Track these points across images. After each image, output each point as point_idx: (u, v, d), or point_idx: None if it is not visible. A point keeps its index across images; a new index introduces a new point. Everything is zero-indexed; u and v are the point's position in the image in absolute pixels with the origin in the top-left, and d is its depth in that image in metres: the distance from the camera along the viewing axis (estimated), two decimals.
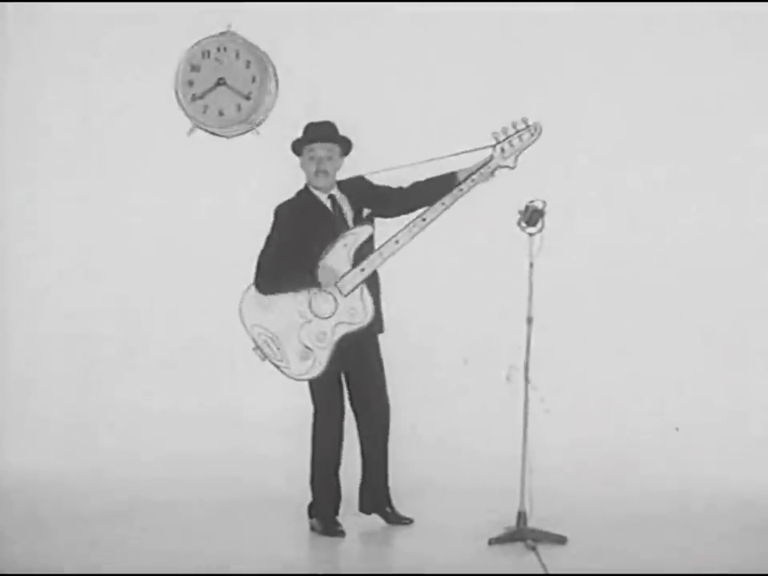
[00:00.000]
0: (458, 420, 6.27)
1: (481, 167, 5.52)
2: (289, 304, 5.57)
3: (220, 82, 6.59)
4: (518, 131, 5.49)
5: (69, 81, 6.92)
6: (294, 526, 5.78)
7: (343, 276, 5.54)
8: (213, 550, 5.44)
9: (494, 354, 6.42)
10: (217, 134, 6.69)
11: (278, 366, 5.59)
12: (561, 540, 5.44)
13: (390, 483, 5.83)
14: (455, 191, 5.51)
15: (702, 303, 6.54)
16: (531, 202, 5.49)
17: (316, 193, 5.68)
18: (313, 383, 5.62)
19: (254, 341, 5.60)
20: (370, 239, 5.60)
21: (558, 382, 6.22)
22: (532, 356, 5.47)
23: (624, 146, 6.52)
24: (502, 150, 5.49)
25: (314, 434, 5.70)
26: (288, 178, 5.71)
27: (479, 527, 5.58)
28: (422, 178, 5.60)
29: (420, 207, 5.58)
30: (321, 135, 5.65)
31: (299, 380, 5.59)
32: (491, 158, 5.52)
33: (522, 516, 5.47)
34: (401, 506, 5.87)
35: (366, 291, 5.55)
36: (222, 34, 6.61)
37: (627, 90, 6.56)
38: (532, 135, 5.50)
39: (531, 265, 5.45)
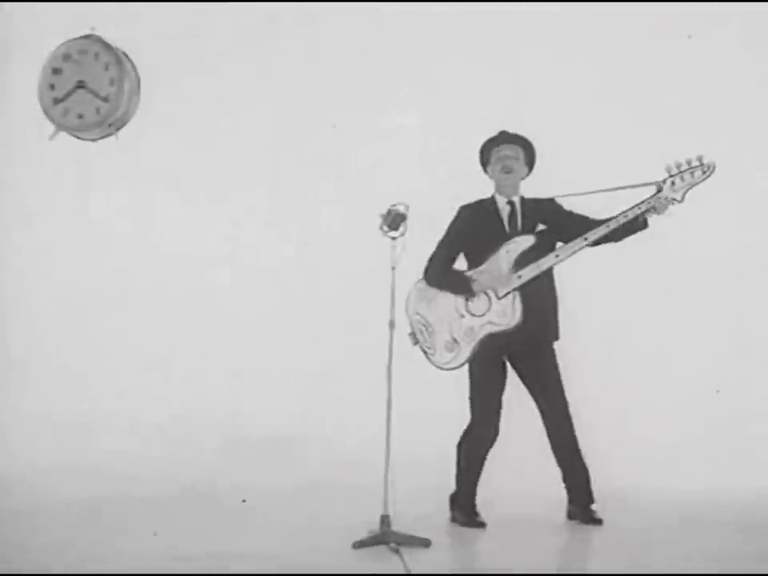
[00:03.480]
0: (326, 422, 6.29)
1: (647, 199, 5.69)
2: (449, 298, 5.90)
3: (79, 85, 6.51)
4: (690, 167, 5.66)
5: None
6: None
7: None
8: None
9: (363, 359, 6.46)
10: (80, 138, 6.62)
11: (425, 352, 5.90)
12: (425, 543, 5.45)
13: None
14: (620, 217, 5.73)
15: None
16: (393, 206, 5.55)
17: (497, 198, 5.97)
18: (477, 386, 5.88)
19: (411, 327, 5.92)
20: (532, 249, 5.81)
21: (422, 385, 6.26)
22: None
23: None
24: (673, 183, 5.66)
25: (470, 431, 5.93)
26: None
27: (343, 530, 5.58)
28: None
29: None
30: (507, 138, 6.00)
31: (441, 368, 5.89)
32: (659, 189, 5.68)
33: (385, 519, 5.47)
34: (264, 508, 5.88)
35: (518, 297, 5.79)
36: (85, 36, 6.53)
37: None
38: (704, 173, 5.67)
39: (393, 269, 5.49)
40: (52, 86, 6.55)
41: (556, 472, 5.97)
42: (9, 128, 7.19)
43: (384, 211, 5.54)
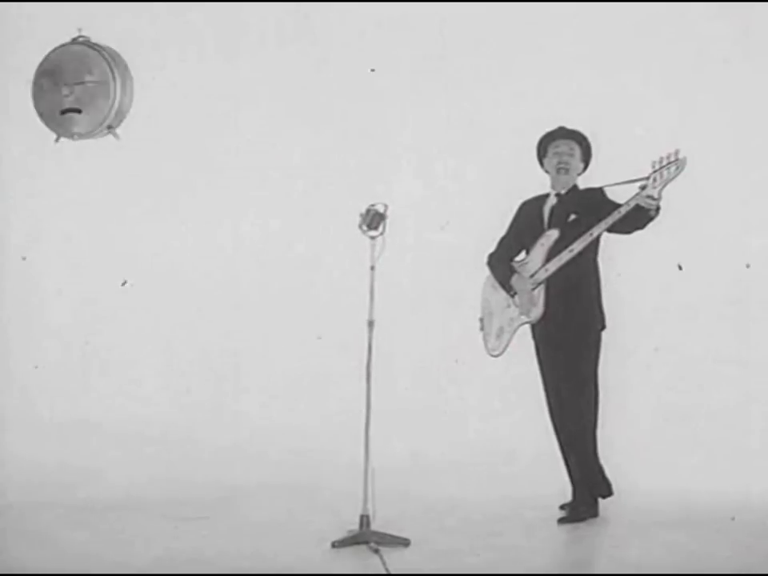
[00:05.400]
0: (303, 422, 6.30)
1: (633, 197, 5.68)
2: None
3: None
4: (668, 163, 5.63)
5: None
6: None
7: (534, 273, 5.90)
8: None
9: (342, 358, 6.48)
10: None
11: (484, 340, 6.07)
12: (404, 542, 5.45)
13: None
14: (615, 213, 5.73)
15: None
16: (372, 205, 5.55)
17: (551, 193, 6.03)
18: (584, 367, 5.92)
19: (482, 312, 6.10)
20: (562, 240, 5.86)
21: (403, 383, 6.28)
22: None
23: None
24: (654, 180, 5.63)
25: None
26: None
27: (322, 530, 5.59)
28: None
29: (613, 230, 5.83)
30: (565, 133, 6.04)
31: (491, 355, 6.05)
32: (643, 187, 5.65)
33: (364, 519, 5.47)
34: (243, 507, 5.89)
35: (542, 291, 5.88)
36: (73, 39, 6.56)
37: None
38: (677, 168, 5.62)
39: (372, 268, 5.49)
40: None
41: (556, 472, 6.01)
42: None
43: (363, 210, 5.55)
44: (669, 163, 5.63)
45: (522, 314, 5.95)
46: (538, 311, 5.90)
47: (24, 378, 7.10)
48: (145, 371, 7.12)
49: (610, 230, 5.79)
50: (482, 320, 6.13)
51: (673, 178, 5.62)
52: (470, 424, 6.64)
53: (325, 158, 7.00)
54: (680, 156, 5.62)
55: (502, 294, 6.03)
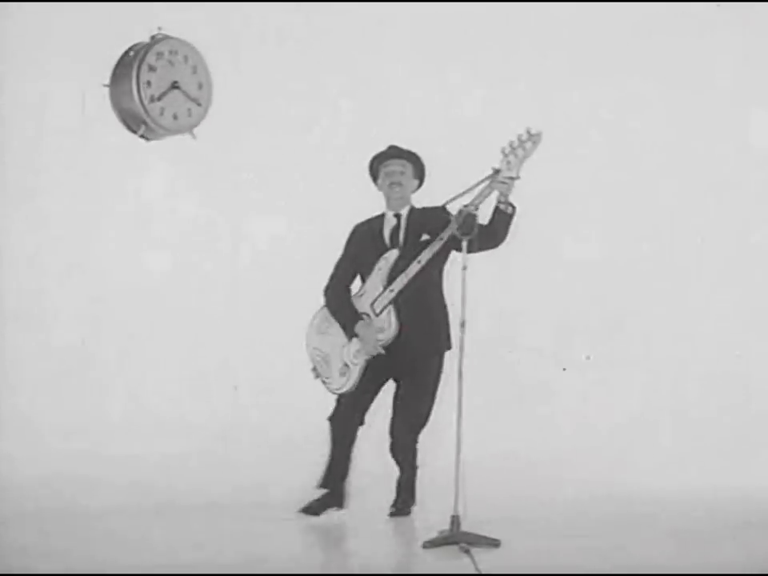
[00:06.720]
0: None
1: (487, 185, 5.60)
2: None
3: (174, 86, 6.46)
4: (521, 142, 5.56)
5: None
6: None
7: (376, 298, 5.79)
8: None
9: None
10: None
11: (324, 383, 5.93)
12: (494, 543, 5.46)
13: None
14: (470, 207, 5.60)
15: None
16: (465, 206, 5.55)
17: (386, 213, 5.94)
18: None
19: (312, 362, 5.94)
20: (402, 260, 5.78)
21: (491, 385, 6.28)
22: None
23: None
24: (509, 162, 5.57)
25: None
26: None
27: (413, 530, 5.61)
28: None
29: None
30: (395, 153, 5.95)
31: (336, 393, 5.90)
32: (497, 171, 5.58)
33: (455, 519, 5.48)
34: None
35: (393, 310, 5.77)
36: (152, 38, 6.51)
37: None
38: (534, 144, 5.57)
39: (465, 268, 5.49)
40: (149, 83, 6.48)
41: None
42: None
43: (455, 212, 5.56)
44: (523, 141, 5.58)
45: (368, 352, 5.82)
46: (391, 332, 5.80)
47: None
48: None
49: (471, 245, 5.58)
50: (315, 369, 5.96)
51: (531, 153, 5.58)
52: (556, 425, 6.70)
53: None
54: (532, 131, 5.58)
55: (338, 332, 5.89)
